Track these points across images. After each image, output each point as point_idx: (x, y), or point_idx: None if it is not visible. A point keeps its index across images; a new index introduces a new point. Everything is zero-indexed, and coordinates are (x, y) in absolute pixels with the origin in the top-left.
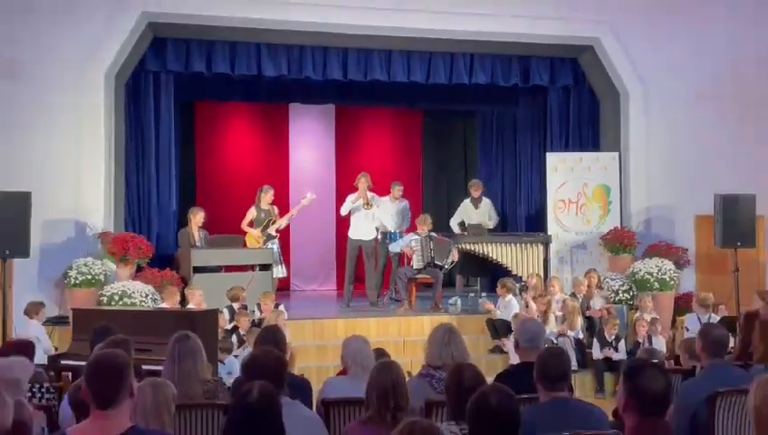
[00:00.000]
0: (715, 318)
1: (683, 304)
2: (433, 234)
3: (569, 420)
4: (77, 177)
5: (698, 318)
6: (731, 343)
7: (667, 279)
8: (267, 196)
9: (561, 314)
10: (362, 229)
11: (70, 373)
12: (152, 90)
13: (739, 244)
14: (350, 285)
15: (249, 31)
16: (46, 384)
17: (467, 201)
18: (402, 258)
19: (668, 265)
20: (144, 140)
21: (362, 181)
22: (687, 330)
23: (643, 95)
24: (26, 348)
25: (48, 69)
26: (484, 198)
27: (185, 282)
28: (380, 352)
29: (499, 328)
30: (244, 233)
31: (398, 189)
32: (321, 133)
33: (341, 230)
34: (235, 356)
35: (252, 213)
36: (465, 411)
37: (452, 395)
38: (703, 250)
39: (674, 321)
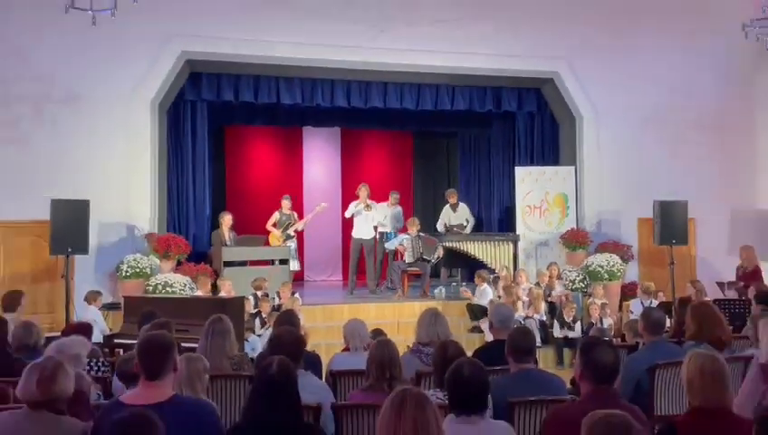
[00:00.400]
0: (655, 303)
1: (628, 292)
2: (422, 234)
3: (534, 387)
4: (127, 187)
5: (641, 303)
6: (668, 324)
7: (615, 271)
8: (288, 203)
9: (527, 299)
10: (363, 230)
11: (121, 350)
12: (189, 115)
13: (674, 241)
14: (353, 276)
15: (269, 66)
16: (102, 359)
17: (447, 207)
18: (396, 254)
19: (616, 259)
20: (182, 157)
21: (363, 190)
22: (632, 313)
23: (595, 119)
24: (85, 329)
25: (103, 98)
26: (460, 203)
27: (216, 274)
28: (378, 332)
29: (476, 312)
30: (267, 233)
31: (394, 197)
32: (328, 151)
33: (346, 231)
34: (258, 335)
35: (275, 216)
36: None
37: (438, 367)
38: (644, 247)
39: (620, 305)
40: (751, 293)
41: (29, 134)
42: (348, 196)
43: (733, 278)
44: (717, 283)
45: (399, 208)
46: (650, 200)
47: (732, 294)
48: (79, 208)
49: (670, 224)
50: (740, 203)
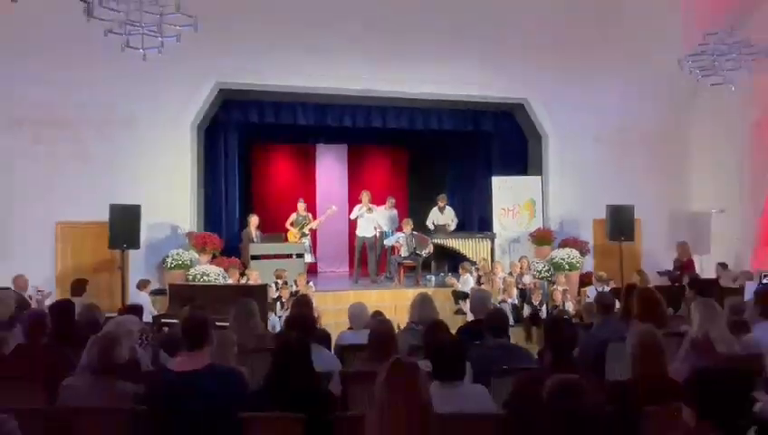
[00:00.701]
0: (607, 289)
1: (585, 280)
2: (415, 233)
3: (507, 358)
4: (171, 194)
5: (595, 289)
6: (617, 306)
7: (574, 263)
8: (303, 205)
9: (502, 286)
10: (365, 229)
11: (166, 328)
12: (222, 135)
13: (623, 238)
14: (357, 268)
15: (288, 94)
16: (150, 335)
17: (435, 209)
18: (393, 249)
19: (575, 253)
20: (216, 168)
21: (364, 196)
22: (588, 297)
23: (557, 138)
24: (137, 310)
25: (152, 122)
26: (447, 207)
27: (245, 266)
28: (378, 314)
29: (460, 297)
30: (286, 231)
31: (390, 202)
32: (337, 164)
33: (351, 230)
34: (279, 316)
35: (293, 217)
36: None
37: (427, 342)
38: (598, 243)
39: (579, 291)
40: (685, 280)
41: (92, 150)
42: (353, 201)
43: (671, 268)
44: (658, 272)
45: (395, 211)
46: (603, 204)
47: (668, 281)
48: (132, 211)
49: (619, 224)
50: (676, 206)
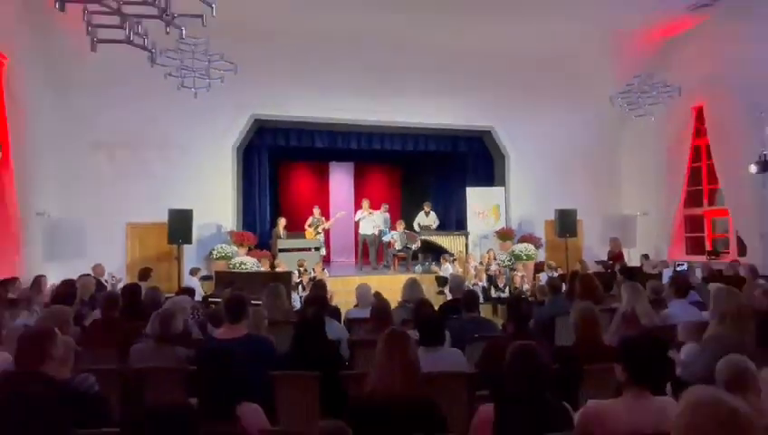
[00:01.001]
0: (556, 274)
1: (538, 267)
2: (406, 231)
3: (478, 328)
4: (217, 201)
5: (547, 275)
6: (563, 288)
7: (530, 254)
8: (317, 210)
9: (474, 273)
10: (366, 228)
11: (212, 305)
12: (256, 155)
13: (567, 235)
14: (361, 258)
15: (307, 123)
16: (200, 311)
17: (422, 213)
18: (389, 244)
19: (531, 247)
20: (251, 181)
21: (365, 203)
22: (541, 281)
23: (516, 157)
24: (190, 292)
25: (201, 145)
26: (431, 211)
27: (274, 257)
28: (378, 294)
29: (441, 281)
30: (305, 230)
31: (384, 207)
32: (345, 178)
33: (356, 229)
34: (300, 296)
35: (310, 219)
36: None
37: (416, 316)
38: (549, 239)
39: (534, 276)
40: (616, 268)
41: (154, 167)
42: (357, 207)
43: (605, 258)
44: (595, 261)
45: (387, 215)
46: (552, 209)
47: (603, 269)
48: (186, 214)
49: (565, 224)
50: (609, 210)
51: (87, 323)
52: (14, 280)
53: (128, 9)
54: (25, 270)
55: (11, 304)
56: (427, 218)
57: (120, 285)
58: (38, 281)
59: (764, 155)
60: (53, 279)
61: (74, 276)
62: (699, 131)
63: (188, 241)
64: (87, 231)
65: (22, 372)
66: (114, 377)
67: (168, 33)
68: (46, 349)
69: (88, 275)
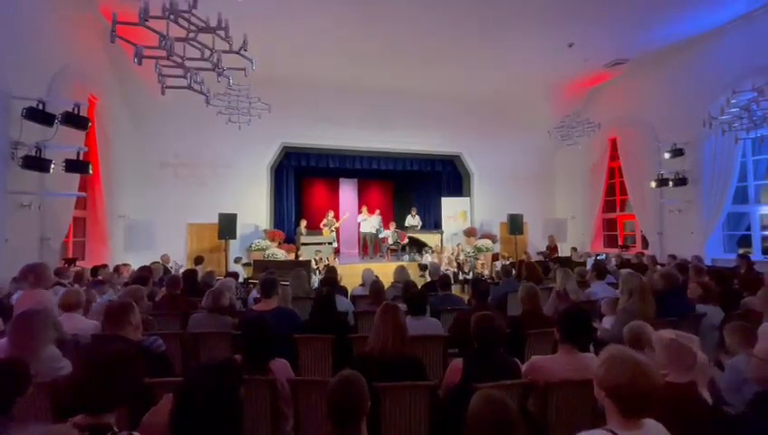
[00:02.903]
0: (507, 263)
1: (495, 257)
2: (397, 230)
3: (450, 302)
4: (255, 207)
5: (501, 263)
6: (513, 272)
7: (489, 247)
8: (330, 214)
9: (447, 261)
10: (366, 228)
11: (251, 285)
12: (284, 173)
13: (517, 233)
14: (362, 250)
15: (323, 149)
16: (242, 289)
17: (409, 216)
18: (384, 240)
19: (489, 242)
20: (281, 193)
21: (364, 209)
22: (497, 267)
23: (479, 175)
24: (234, 275)
25: (243, 165)
26: (416, 215)
27: (298, 249)
28: (376, 277)
29: (423, 267)
30: (320, 229)
31: (377, 212)
32: (351, 191)
33: (358, 229)
34: (318, 278)
35: (324, 221)
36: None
37: (404, 293)
38: (503, 236)
39: (492, 264)
40: (553, 257)
41: (208, 181)
42: (359, 213)
43: (544, 250)
44: (537, 253)
45: (380, 218)
46: (505, 213)
47: (542, 258)
48: (232, 217)
49: (515, 225)
50: (547, 214)
51: (157, 299)
52: (103, 266)
53: (189, 63)
54: (111, 259)
55: (98, 284)
56: (413, 220)
57: (182, 270)
58: (119, 267)
59: (661, 174)
60: (133, 266)
61: (147, 264)
62: (613, 157)
63: (233, 237)
64: (156, 229)
65: (107, 335)
66: (177, 339)
67: (219, 81)
68: (126, 317)
69: (157, 262)
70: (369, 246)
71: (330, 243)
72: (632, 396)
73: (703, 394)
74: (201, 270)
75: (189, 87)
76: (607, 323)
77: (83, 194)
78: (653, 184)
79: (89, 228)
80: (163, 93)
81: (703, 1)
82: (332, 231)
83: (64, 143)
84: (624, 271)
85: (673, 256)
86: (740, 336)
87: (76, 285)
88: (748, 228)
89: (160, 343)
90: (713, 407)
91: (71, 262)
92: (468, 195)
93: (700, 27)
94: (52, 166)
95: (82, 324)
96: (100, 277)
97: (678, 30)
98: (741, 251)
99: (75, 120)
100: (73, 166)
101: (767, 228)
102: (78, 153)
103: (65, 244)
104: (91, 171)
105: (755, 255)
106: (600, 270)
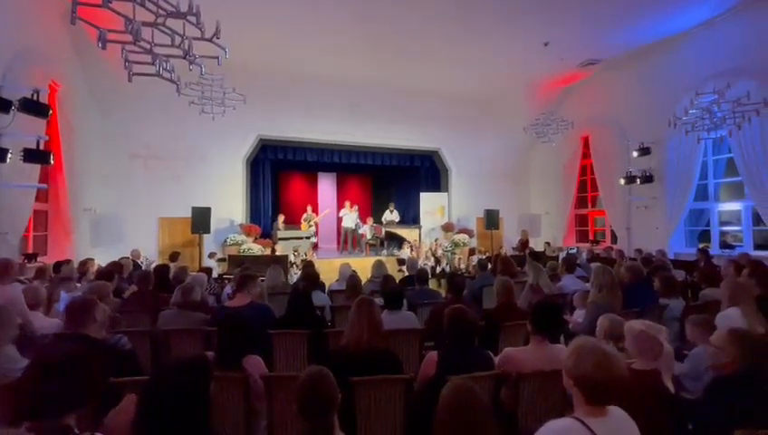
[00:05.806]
0: (483, 257)
1: (471, 252)
2: (375, 224)
3: (427, 296)
4: (230, 201)
5: (477, 257)
6: (489, 266)
7: (466, 242)
8: (310, 209)
9: (424, 256)
10: (347, 222)
11: (226, 281)
12: (261, 166)
13: (492, 228)
14: (342, 244)
15: (301, 142)
16: (215, 285)
17: (387, 211)
18: (362, 235)
19: (466, 236)
20: (257, 186)
21: (347, 204)
22: (473, 261)
23: (456, 171)
24: (208, 270)
25: (218, 157)
26: (394, 210)
27: (274, 244)
28: (353, 271)
29: (401, 261)
30: (299, 223)
31: (355, 207)
32: (330, 185)
33: (338, 223)
34: (295, 274)
35: (304, 216)
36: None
37: (382, 288)
38: (480, 231)
39: (468, 258)
40: (526, 252)
41: (181, 174)
42: (340, 207)
43: (517, 244)
44: (512, 247)
45: (357, 213)
46: (482, 209)
47: (517, 252)
48: (205, 211)
49: (491, 220)
50: (522, 210)
51: (126, 296)
52: (67, 262)
53: (158, 50)
54: (75, 254)
55: (62, 281)
56: (391, 215)
57: (153, 266)
58: (84, 263)
59: (629, 172)
60: (100, 262)
61: (115, 259)
62: (585, 154)
63: (207, 231)
64: (125, 223)
65: (68, 334)
66: (146, 337)
67: (191, 70)
68: (89, 315)
69: (126, 257)
70: (349, 240)
71: (307, 238)
72: (597, 384)
73: (666, 383)
74: (176, 265)
75: (159, 75)
76: (578, 315)
77: (44, 186)
78: (622, 181)
79: (51, 222)
80: (130, 80)
81: (670, 5)
82: (311, 226)
83: (23, 132)
84: (596, 265)
85: (639, 251)
86: (701, 328)
87: (35, 282)
88: (708, 224)
89: (125, 342)
90: (674, 394)
91: (31, 257)
92: (446, 190)
93: (667, 31)
94: (9, 155)
95: (44, 323)
96: (63, 274)
97: (647, 33)
98: (701, 245)
99: (34, 107)
100: (33, 156)
101: (725, 224)
102: (38, 142)
103: (25, 238)
104: (52, 161)
105: (714, 249)
106: (570, 264)
